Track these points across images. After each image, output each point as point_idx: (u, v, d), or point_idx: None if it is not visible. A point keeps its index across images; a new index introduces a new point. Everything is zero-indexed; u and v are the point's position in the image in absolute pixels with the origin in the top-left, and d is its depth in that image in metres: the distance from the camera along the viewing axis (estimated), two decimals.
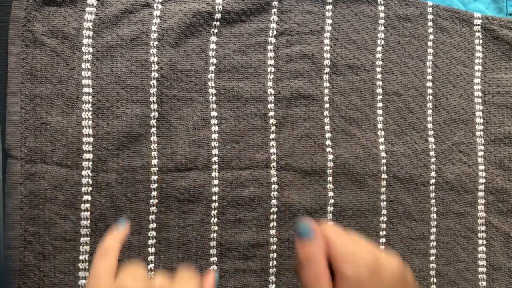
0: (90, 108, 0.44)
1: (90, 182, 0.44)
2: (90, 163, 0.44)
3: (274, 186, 0.48)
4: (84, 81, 0.44)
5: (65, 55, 0.43)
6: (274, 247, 0.47)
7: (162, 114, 0.45)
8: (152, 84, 0.45)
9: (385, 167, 0.49)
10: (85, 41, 0.44)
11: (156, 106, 0.45)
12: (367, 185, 0.49)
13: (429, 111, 0.50)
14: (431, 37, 0.50)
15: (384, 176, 0.49)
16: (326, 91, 0.49)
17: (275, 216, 0.48)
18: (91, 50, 0.44)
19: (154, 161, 0.45)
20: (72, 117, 0.44)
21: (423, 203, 0.49)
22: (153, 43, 0.45)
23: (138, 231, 0.45)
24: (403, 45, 0.50)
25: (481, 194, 0.50)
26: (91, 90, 0.44)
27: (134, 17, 0.45)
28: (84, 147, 0.44)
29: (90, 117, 0.44)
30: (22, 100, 0.43)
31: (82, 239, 0.44)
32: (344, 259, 0.30)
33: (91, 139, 0.44)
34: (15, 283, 0.42)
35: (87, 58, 0.44)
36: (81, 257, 0.44)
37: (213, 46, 0.47)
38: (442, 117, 0.50)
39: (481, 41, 0.51)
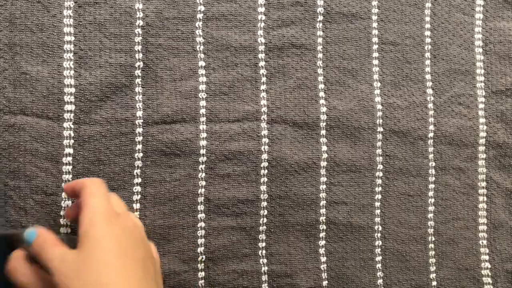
0: (72, 58, 0.43)
1: (72, 134, 0.43)
2: (72, 114, 0.43)
3: (265, 140, 0.47)
4: (66, 29, 0.43)
5: (46, 2, 0.42)
6: (265, 203, 0.47)
7: (148, 64, 0.45)
8: (137, 33, 0.44)
9: (381, 120, 0.48)
10: None
11: (141, 55, 0.44)
12: (362, 138, 0.48)
13: (427, 62, 0.49)
14: None
15: (380, 129, 0.48)
16: (319, 40, 0.48)
17: (266, 171, 0.47)
18: None
19: (139, 113, 0.45)
20: (53, 66, 0.43)
21: (421, 158, 0.49)
22: None
23: (123, 186, 0.44)
24: None
25: (481, 148, 0.49)
26: (73, 38, 0.43)
27: None
28: (66, 98, 0.43)
29: (72, 66, 0.43)
30: (1, 48, 0.42)
31: (64, 194, 0.43)
32: (83, 207, 0.35)
33: (73, 90, 0.43)
34: None
35: (69, 5, 0.43)
36: (62, 213, 0.43)
37: None
38: (441, 67, 0.49)
39: None
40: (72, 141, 0.43)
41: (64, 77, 0.43)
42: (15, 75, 0.42)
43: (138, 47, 0.44)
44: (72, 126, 0.43)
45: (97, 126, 0.44)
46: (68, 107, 0.43)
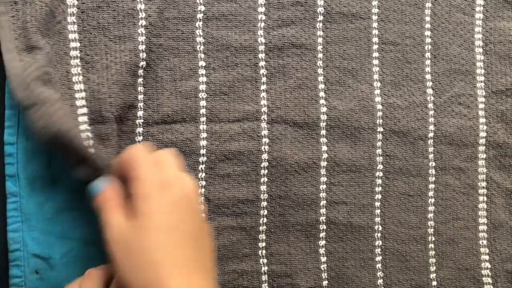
0: (79, 63, 0.43)
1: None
2: (86, 117, 0.43)
3: (265, 140, 0.47)
4: (71, 36, 0.43)
5: (53, 7, 0.42)
6: (265, 203, 0.47)
7: (149, 64, 0.45)
8: (140, 32, 0.44)
9: (381, 120, 0.48)
10: None
11: (144, 55, 0.44)
12: (362, 138, 0.48)
13: (428, 61, 0.49)
14: None
15: (380, 129, 0.48)
16: (320, 40, 0.48)
17: (266, 171, 0.47)
18: (75, 2, 0.43)
19: (140, 113, 0.45)
20: (62, 73, 0.43)
21: (421, 158, 0.49)
22: None
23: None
24: None
25: (481, 148, 0.50)
26: (78, 44, 0.43)
27: None
28: (78, 103, 0.42)
29: (80, 72, 0.43)
30: (20, 54, 0.41)
31: None
32: (136, 179, 0.35)
33: (83, 94, 0.43)
34: None
35: (72, 12, 0.43)
36: None
37: None
38: (441, 67, 0.49)
39: None
40: None
41: (73, 83, 0.43)
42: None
43: (142, 47, 0.44)
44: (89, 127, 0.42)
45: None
46: (81, 110, 0.42)
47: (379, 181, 0.48)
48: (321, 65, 0.48)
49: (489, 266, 0.49)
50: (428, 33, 0.49)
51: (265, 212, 0.47)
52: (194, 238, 0.35)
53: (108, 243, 0.35)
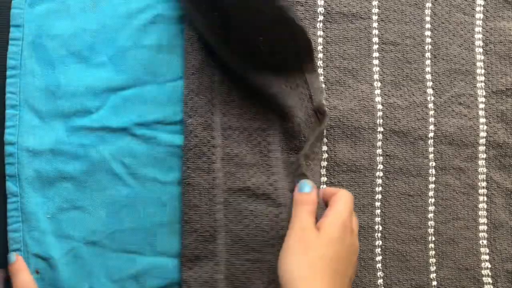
0: None
1: None
2: None
3: None
4: None
5: None
6: None
7: None
8: None
9: (381, 120, 0.48)
10: None
11: None
12: (363, 138, 0.48)
13: (428, 61, 0.49)
14: None
15: (380, 129, 0.48)
16: (320, 40, 0.48)
17: None
18: None
19: None
20: None
21: (421, 158, 0.49)
22: None
23: None
24: None
25: (482, 148, 0.49)
26: None
27: None
28: None
29: None
30: None
31: None
32: (332, 205, 0.41)
33: None
34: None
35: None
36: None
37: None
38: (441, 67, 0.49)
39: None
40: None
41: None
42: None
43: None
44: None
45: None
46: None
47: (379, 181, 0.48)
48: (321, 65, 0.48)
49: (489, 266, 0.49)
50: (428, 33, 0.49)
51: None
52: (350, 281, 0.40)
53: (292, 234, 0.39)
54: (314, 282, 0.36)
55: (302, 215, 0.40)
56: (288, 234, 0.39)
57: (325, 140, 0.48)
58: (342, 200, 0.41)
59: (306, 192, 0.41)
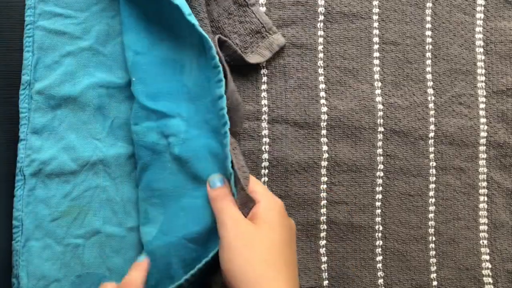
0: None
1: None
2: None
3: (266, 140, 0.47)
4: None
5: None
6: None
7: None
8: None
9: (381, 120, 0.48)
10: None
11: None
12: (363, 138, 0.48)
13: (428, 61, 0.49)
14: None
15: (380, 129, 0.49)
16: (320, 40, 0.48)
17: (267, 170, 0.47)
18: None
19: None
20: None
21: (422, 158, 0.49)
22: None
23: None
24: None
25: (482, 148, 0.50)
26: None
27: None
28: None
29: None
30: None
31: None
32: (264, 196, 0.40)
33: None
34: None
35: None
36: None
37: None
38: (441, 67, 0.49)
39: None
40: None
41: None
42: None
43: None
44: None
45: None
46: None
47: (379, 181, 0.49)
48: (322, 65, 0.48)
49: (490, 266, 0.49)
50: (428, 33, 0.50)
51: None
52: (295, 260, 0.39)
53: (227, 231, 0.37)
54: (273, 277, 0.35)
55: (228, 209, 0.38)
56: (222, 233, 0.37)
57: (325, 140, 0.48)
58: (267, 188, 0.41)
59: (220, 186, 0.40)
